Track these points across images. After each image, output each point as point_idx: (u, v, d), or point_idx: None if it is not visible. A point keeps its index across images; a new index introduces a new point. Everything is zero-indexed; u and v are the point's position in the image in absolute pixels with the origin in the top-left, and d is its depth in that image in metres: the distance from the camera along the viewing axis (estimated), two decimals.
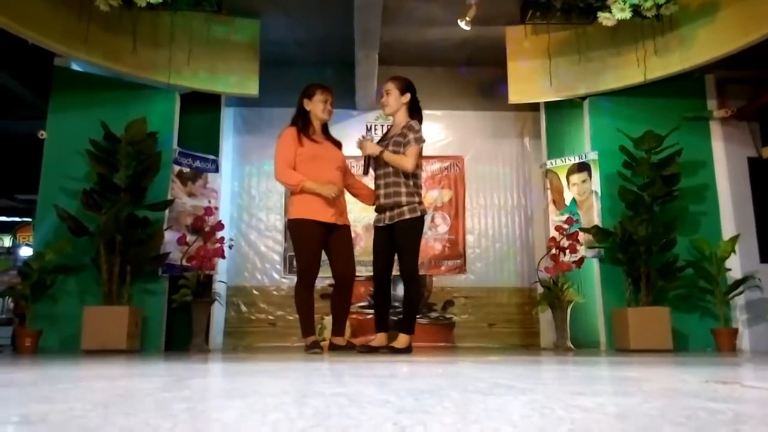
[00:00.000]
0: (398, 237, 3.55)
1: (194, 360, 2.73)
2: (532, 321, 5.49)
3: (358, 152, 3.66)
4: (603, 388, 1.10)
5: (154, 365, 2.16)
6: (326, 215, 3.55)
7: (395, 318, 3.76)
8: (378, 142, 3.72)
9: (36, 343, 4.11)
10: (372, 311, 5.38)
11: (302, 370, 1.70)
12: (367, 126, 5.76)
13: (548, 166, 5.18)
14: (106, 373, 1.70)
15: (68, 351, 4.12)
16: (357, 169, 5.39)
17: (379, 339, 3.61)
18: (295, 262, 5.50)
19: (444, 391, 0.97)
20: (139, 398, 0.97)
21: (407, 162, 3.49)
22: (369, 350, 3.55)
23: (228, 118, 5.50)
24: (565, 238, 4.75)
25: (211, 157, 5.01)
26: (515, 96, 5.05)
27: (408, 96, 3.67)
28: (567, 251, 4.73)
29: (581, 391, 0.98)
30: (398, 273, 3.59)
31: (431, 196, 5.67)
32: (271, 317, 5.46)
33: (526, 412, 0.70)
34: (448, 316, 5.53)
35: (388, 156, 3.54)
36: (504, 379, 1.24)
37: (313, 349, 3.49)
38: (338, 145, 3.80)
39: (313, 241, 3.54)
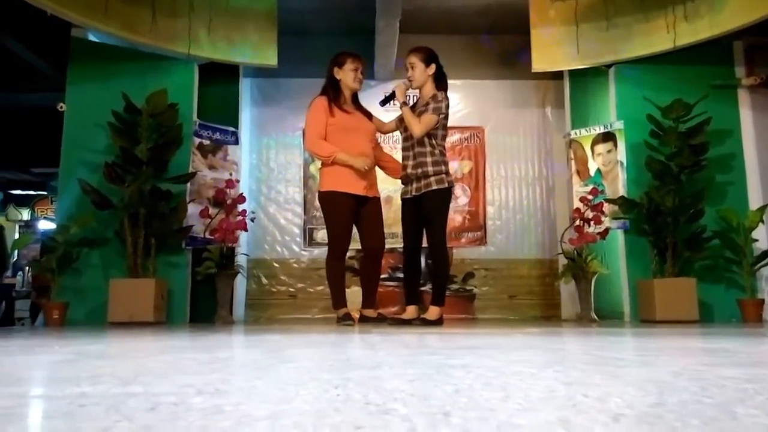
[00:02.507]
0: (425, 209, 3.52)
1: (243, 331, 2.73)
2: (553, 293, 5.49)
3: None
4: (719, 359, 1.07)
5: (214, 336, 2.14)
6: (358, 187, 3.52)
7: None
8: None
9: (63, 316, 4.12)
10: (393, 283, 5.41)
11: (380, 342, 1.67)
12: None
13: (572, 136, 5.11)
14: (179, 344, 1.69)
15: (95, 323, 4.13)
16: (382, 140, 5.35)
17: (410, 311, 3.60)
18: (314, 234, 5.54)
19: (568, 363, 0.95)
20: (272, 368, 0.94)
21: (417, 126, 3.46)
22: (400, 322, 3.54)
23: (245, 89, 5.41)
24: (589, 209, 4.71)
25: (231, 128, 4.94)
26: (539, 64, 4.95)
27: (433, 67, 3.61)
28: (591, 222, 4.69)
29: (707, 362, 0.95)
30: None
31: (451, 167, 5.57)
32: (291, 289, 5.46)
33: (701, 384, 0.68)
34: (468, 288, 5.53)
35: (405, 111, 3.53)
36: (600, 351, 1.22)
37: (346, 321, 3.49)
38: (368, 115, 3.74)
39: (345, 213, 3.51)
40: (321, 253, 5.46)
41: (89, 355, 1.36)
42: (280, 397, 0.63)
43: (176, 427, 0.48)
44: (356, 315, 3.68)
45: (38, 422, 0.52)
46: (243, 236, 5.07)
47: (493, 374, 0.79)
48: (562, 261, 5.00)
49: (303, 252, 5.52)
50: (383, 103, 3.73)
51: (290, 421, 0.49)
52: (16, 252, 7.34)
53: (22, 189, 8.42)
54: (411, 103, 3.66)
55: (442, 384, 0.70)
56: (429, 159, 3.51)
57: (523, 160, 5.68)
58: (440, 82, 3.62)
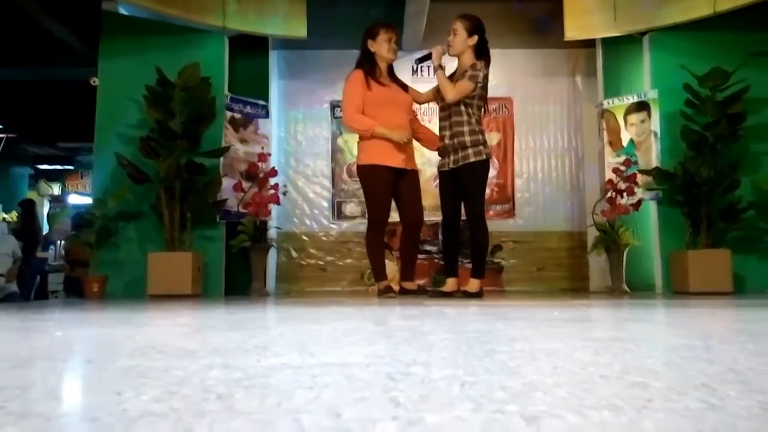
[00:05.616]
0: (463, 181, 3.51)
1: (297, 303, 2.76)
2: (581, 265, 5.49)
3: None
4: None
5: (285, 309, 2.16)
6: (397, 160, 3.52)
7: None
8: None
9: (103, 289, 4.18)
10: (422, 256, 5.42)
11: (482, 314, 1.67)
12: (412, 68, 5.55)
13: (604, 105, 5.04)
14: (272, 316, 1.71)
15: (134, 296, 4.18)
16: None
17: (450, 284, 3.62)
18: (342, 207, 5.54)
19: (719, 338, 0.95)
20: (420, 340, 0.95)
21: (450, 90, 3.43)
22: (440, 295, 3.57)
23: (272, 61, 5.36)
24: (622, 180, 4.68)
25: (261, 102, 4.92)
26: (572, 32, 4.87)
27: (475, 38, 3.56)
28: (624, 194, 4.66)
29: None
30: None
31: None
32: (320, 262, 5.50)
33: None
34: (496, 260, 5.54)
35: (440, 74, 3.51)
36: (725, 323, 1.22)
37: (387, 293, 3.52)
38: (404, 87, 3.71)
39: (384, 187, 3.52)
40: (350, 226, 5.49)
41: (203, 328, 1.38)
42: (498, 369, 0.63)
43: (445, 393, 0.49)
44: (396, 287, 3.72)
45: (306, 393, 0.52)
46: (273, 210, 5.09)
47: (666, 347, 0.80)
48: (592, 233, 4.99)
49: (332, 225, 5.54)
50: (419, 60, 3.73)
51: (560, 395, 0.49)
52: (45, 226, 7.44)
53: (49, 164, 8.45)
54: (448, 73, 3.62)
55: (634, 358, 0.71)
56: (466, 128, 3.48)
57: (552, 131, 5.63)
58: (480, 54, 3.57)
